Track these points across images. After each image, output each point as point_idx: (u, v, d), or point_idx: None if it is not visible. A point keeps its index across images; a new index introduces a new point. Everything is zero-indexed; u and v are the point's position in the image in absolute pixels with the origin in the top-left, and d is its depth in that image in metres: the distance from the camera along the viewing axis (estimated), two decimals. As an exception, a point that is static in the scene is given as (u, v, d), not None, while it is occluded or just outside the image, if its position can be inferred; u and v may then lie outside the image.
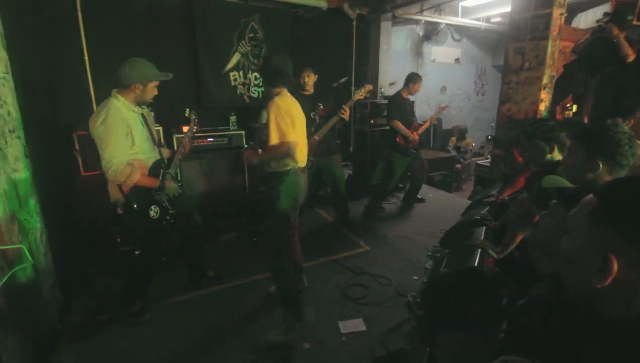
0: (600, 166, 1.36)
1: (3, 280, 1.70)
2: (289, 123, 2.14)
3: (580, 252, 0.63)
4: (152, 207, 2.18)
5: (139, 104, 2.18)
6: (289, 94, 2.32)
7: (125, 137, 2.06)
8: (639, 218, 0.56)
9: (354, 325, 2.33)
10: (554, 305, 0.78)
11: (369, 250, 3.37)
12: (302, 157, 2.33)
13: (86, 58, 3.72)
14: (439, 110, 4.44)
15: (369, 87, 3.47)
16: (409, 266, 3.05)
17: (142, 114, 2.22)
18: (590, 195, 0.64)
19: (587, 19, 5.21)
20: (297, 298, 2.35)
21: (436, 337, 2.04)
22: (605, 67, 3.34)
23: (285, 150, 2.14)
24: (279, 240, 2.33)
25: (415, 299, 2.51)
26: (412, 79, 4.08)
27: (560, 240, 0.67)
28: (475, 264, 1.97)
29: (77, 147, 3.08)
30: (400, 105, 4.09)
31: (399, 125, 3.98)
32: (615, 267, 0.57)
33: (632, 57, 3.10)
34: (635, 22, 3.89)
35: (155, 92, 2.20)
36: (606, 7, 5.07)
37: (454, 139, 7.55)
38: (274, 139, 2.13)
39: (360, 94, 3.37)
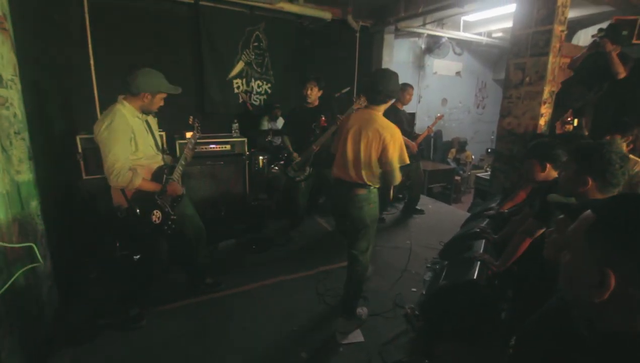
0: (590, 182, 1.39)
1: (11, 281, 1.70)
2: None
3: (579, 267, 0.64)
4: (154, 211, 2.19)
5: (144, 112, 2.21)
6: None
7: (128, 143, 2.08)
8: (636, 235, 0.57)
9: (352, 335, 2.31)
10: (563, 320, 0.78)
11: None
12: None
13: (92, 63, 3.77)
14: (435, 119, 4.46)
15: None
16: (408, 277, 3.04)
17: (146, 121, 2.24)
18: (589, 211, 0.65)
19: (587, 37, 5.29)
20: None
21: (434, 349, 2.03)
22: (601, 82, 3.40)
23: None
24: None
25: (413, 311, 2.51)
26: (401, 88, 4.15)
27: (561, 255, 0.69)
28: (474, 277, 1.97)
29: (80, 151, 3.09)
30: (394, 116, 4.15)
31: None
32: (613, 282, 0.58)
33: (622, 75, 3.20)
34: (635, 41, 3.97)
35: (162, 103, 2.23)
36: (606, 25, 5.16)
37: (453, 151, 7.59)
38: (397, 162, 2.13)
39: (360, 104, 3.37)
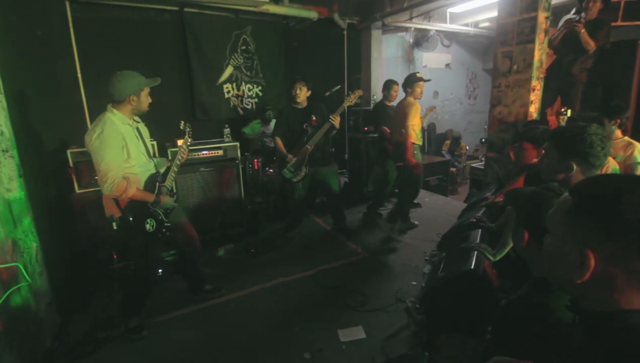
0: (574, 167, 1.39)
1: (1, 300, 1.68)
2: None
3: (560, 249, 0.65)
4: (148, 220, 2.18)
5: (136, 115, 2.21)
6: None
7: (120, 151, 2.07)
8: (612, 215, 0.58)
9: (354, 332, 2.32)
10: (534, 304, 0.79)
11: (367, 257, 3.37)
12: None
13: (79, 75, 3.75)
14: (426, 111, 4.47)
15: (359, 92, 3.52)
16: (408, 271, 3.05)
17: (137, 128, 2.23)
18: (567, 193, 0.67)
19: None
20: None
21: (436, 341, 2.04)
22: (580, 51, 3.46)
23: None
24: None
25: (414, 304, 2.51)
26: (387, 86, 4.28)
27: (543, 239, 0.69)
28: (472, 267, 1.98)
29: (71, 165, 3.07)
30: (383, 112, 4.22)
31: (385, 131, 4.12)
32: (593, 262, 0.59)
33: (592, 48, 3.38)
34: (620, 23, 3.99)
35: (150, 100, 2.22)
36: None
37: (448, 142, 7.61)
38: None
39: (350, 100, 3.38)
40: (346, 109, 3.57)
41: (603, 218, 0.59)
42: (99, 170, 2.00)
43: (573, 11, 3.46)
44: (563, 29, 3.49)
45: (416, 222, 3.95)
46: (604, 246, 0.58)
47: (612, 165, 2.32)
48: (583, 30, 3.31)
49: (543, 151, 1.81)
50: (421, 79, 3.71)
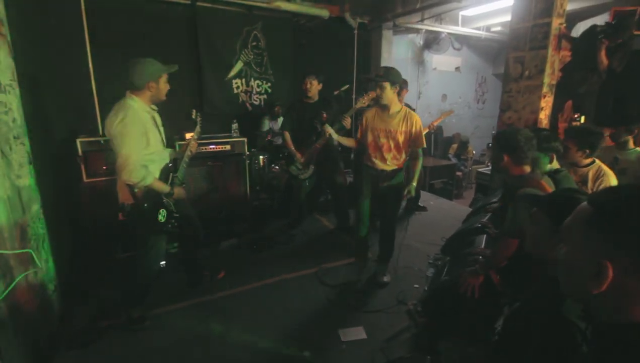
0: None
1: (12, 286, 1.71)
2: None
3: (576, 259, 0.65)
4: (161, 211, 2.20)
5: (154, 102, 2.22)
6: None
7: (141, 137, 2.08)
8: (632, 226, 0.57)
9: (355, 333, 2.32)
10: (545, 309, 0.79)
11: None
12: None
13: (90, 66, 3.77)
14: (442, 115, 4.34)
15: (372, 94, 3.39)
16: (411, 274, 3.04)
17: (153, 116, 2.24)
18: (585, 203, 0.66)
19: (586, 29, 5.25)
20: None
21: (437, 345, 2.03)
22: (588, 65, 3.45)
23: None
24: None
25: (416, 307, 2.51)
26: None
27: (557, 248, 0.69)
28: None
29: (80, 154, 3.10)
30: None
31: None
32: (610, 273, 0.58)
33: (603, 68, 3.38)
34: (636, 32, 3.95)
35: (168, 87, 2.23)
36: (605, 17, 5.12)
37: (455, 146, 7.57)
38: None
39: (362, 102, 3.24)
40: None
41: (622, 230, 0.58)
42: (120, 155, 2.00)
43: (605, 23, 3.40)
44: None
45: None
46: (622, 258, 0.58)
47: (608, 177, 2.33)
48: (604, 49, 3.29)
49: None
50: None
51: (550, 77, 3.33)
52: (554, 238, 1.27)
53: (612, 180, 2.32)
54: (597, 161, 2.38)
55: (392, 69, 2.64)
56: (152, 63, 2.13)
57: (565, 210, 0.82)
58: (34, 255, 1.86)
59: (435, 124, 4.20)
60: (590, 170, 2.35)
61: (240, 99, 4.87)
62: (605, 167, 2.37)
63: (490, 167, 4.82)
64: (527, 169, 1.89)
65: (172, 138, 3.59)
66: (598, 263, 0.59)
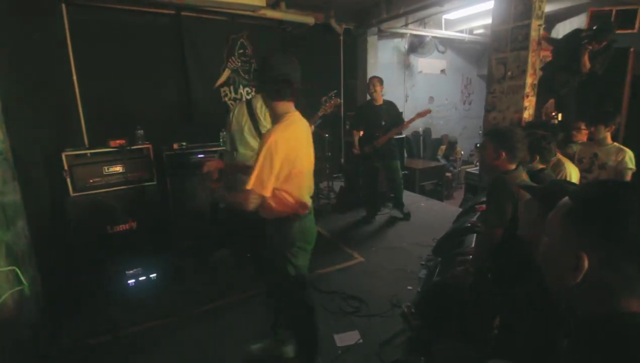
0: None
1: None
2: (279, 169, 1.59)
3: (557, 251, 0.67)
4: None
5: None
6: (298, 116, 1.74)
7: None
8: (609, 220, 0.59)
9: (350, 337, 2.31)
10: (537, 303, 0.80)
11: (363, 262, 3.37)
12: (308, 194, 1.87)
13: (75, 79, 3.74)
14: (416, 116, 4.10)
15: (336, 101, 3.18)
16: (404, 276, 3.05)
17: None
18: (566, 197, 0.68)
19: (565, 29, 5.39)
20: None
21: (431, 347, 2.04)
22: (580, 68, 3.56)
23: (248, 201, 1.58)
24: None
25: (410, 309, 2.52)
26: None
27: (540, 241, 0.71)
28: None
29: (66, 168, 3.05)
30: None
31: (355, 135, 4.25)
32: (586, 264, 0.60)
33: (585, 71, 3.53)
34: (618, 31, 4.08)
35: None
36: (582, 18, 5.26)
37: (443, 148, 7.65)
38: (251, 183, 1.57)
39: (325, 110, 3.05)
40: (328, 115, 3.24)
41: (598, 223, 0.60)
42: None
43: (589, 28, 3.62)
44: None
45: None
46: (599, 250, 0.60)
47: (570, 170, 2.46)
48: (587, 53, 3.45)
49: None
50: None
51: (532, 77, 3.41)
52: (543, 226, 1.36)
53: (569, 166, 2.52)
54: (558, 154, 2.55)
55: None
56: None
57: (555, 200, 0.88)
58: (19, 272, 1.82)
59: (409, 124, 4.18)
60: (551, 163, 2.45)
61: (229, 107, 4.85)
62: (561, 156, 2.58)
63: (478, 167, 4.88)
64: (513, 166, 1.93)
65: (159, 148, 3.56)
66: (575, 255, 0.61)
